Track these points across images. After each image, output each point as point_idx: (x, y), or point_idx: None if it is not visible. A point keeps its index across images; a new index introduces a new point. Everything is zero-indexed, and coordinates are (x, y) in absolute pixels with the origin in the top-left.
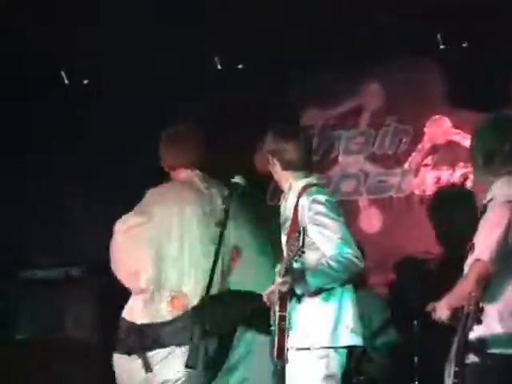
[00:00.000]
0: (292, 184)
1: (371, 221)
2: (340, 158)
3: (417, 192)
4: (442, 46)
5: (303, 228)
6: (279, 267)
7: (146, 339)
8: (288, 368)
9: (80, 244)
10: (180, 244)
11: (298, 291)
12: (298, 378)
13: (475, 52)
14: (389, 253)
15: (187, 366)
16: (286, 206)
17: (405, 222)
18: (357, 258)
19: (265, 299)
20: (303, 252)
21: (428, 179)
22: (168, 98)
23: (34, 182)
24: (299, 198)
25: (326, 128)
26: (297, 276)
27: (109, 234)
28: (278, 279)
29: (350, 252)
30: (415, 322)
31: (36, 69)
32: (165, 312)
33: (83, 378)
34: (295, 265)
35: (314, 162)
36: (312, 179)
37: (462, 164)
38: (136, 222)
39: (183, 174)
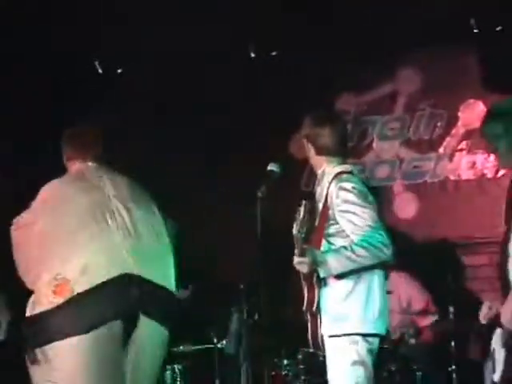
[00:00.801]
0: (325, 170)
1: (406, 206)
2: (374, 144)
3: (451, 177)
4: (475, 31)
5: (304, 201)
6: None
7: (34, 331)
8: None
9: None
10: (66, 233)
11: (321, 273)
12: (331, 364)
13: (509, 36)
14: (423, 238)
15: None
16: (319, 192)
17: (439, 207)
18: (385, 245)
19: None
20: (305, 224)
21: (463, 164)
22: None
23: None
24: (330, 185)
25: (361, 113)
26: (318, 257)
27: None
28: (295, 259)
29: (378, 239)
30: (451, 308)
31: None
32: (48, 300)
33: None
34: (322, 248)
35: (349, 148)
36: (346, 166)
37: None
38: (25, 221)
39: (76, 166)
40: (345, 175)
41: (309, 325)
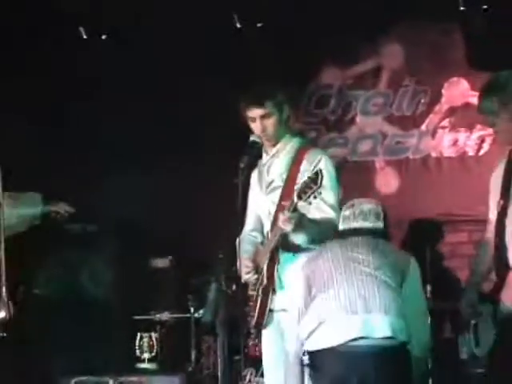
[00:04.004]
0: (285, 140)
1: (387, 182)
2: (357, 119)
3: (433, 154)
4: (462, 8)
5: (321, 170)
6: (283, 205)
7: None
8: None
9: (96, 201)
10: None
11: (298, 239)
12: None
13: (495, 14)
14: (404, 214)
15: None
16: (275, 163)
17: (421, 183)
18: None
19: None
20: (320, 193)
21: (445, 141)
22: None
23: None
24: (300, 158)
25: (344, 88)
26: (302, 219)
27: (125, 192)
28: (282, 216)
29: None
30: (428, 286)
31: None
32: None
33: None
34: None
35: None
36: (301, 138)
37: (479, 126)
38: None
39: None
40: (319, 150)
41: (258, 301)
